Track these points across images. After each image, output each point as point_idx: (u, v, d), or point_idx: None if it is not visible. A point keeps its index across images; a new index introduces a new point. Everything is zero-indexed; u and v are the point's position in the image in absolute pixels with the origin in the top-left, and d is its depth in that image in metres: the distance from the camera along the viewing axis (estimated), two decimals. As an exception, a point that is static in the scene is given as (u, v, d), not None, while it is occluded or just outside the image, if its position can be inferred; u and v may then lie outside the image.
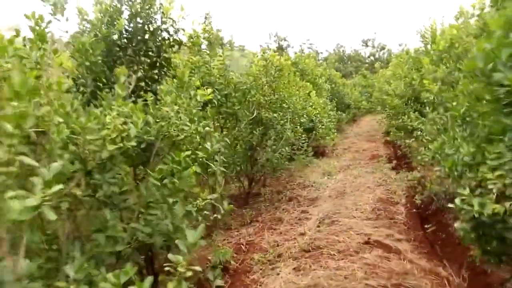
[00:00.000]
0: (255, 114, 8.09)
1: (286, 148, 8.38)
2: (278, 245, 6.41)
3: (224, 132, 7.26)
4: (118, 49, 4.49)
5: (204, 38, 7.05)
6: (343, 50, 57.61)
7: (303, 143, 9.53)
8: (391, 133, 12.75)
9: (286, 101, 8.82)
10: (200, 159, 3.84)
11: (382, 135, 18.48)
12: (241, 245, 6.54)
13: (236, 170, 8.37)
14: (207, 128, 4.16)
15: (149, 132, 3.57)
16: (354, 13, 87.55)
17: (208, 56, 7.03)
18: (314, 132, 11.81)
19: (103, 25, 4.09)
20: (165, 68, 4.85)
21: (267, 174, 9.71)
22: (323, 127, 10.54)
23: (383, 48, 58.92)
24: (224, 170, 5.78)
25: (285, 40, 44.06)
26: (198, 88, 4.77)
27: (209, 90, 4.70)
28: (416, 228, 7.03)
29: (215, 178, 6.51)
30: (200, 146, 4.02)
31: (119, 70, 3.26)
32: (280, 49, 38.57)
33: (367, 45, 59.20)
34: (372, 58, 57.52)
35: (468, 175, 4.10)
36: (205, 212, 4.07)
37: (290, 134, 8.44)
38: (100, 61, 3.97)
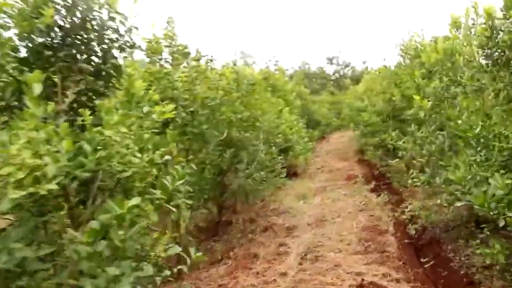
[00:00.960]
0: (225, 134, 7.05)
1: (261, 172, 7.33)
2: (256, 292, 5.35)
3: (190, 156, 6.15)
4: (51, 52, 3.38)
5: (166, 46, 5.97)
6: (308, 67, 57.36)
7: (276, 163, 8.42)
8: (369, 152, 11.91)
9: (259, 118, 7.81)
10: (158, 202, 2.76)
11: (354, 152, 17.71)
12: (212, 293, 5.44)
13: (204, 198, 7.27)
14: (167, 157, 3.08)
15: (84, 165, 2.46)
16: (318, 31, 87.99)
17: (170, 67, 5.95)
18: (289, 152, 10.84)
19: (26, 18, 2.97)
20: (114, 78, 3.74)
21: (238, 200, 8.66)
22: (301, 148, 9.52)
23: (347, 66, 58.99)
24: (189, 202, 4.77)
25: (250, 57, 43.39)
26: (156, 104, 3.73)
27: (170, 106, 3.65)
28: (413, 263, 6.08)
29: (179, 212, 5.43)
30: (157, 182, 2.94)
31: (31, 76, 2.15)
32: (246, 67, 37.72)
33: (331, 63, 59.15)
34: (337, 75, 57.48)
35: (507, 213, 3.19)
36: (166, 271, 2.98)
37: (264, 156, 7.42)
38: (16, 66, 2.85)
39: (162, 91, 5.40)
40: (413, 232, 6.87)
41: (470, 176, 3.95)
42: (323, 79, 55.20)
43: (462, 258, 5.61)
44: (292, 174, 12.84)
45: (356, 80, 46.53)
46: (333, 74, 57.69)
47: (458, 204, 3.72)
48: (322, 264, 6.07)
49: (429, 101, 6.56)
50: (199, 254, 3.77)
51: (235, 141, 7.51)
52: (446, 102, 6.37)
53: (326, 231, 7.61)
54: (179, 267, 3.77)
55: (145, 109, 2.97)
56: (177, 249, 2.98)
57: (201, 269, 6.41)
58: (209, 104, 6.32)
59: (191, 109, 6.19)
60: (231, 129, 7.14)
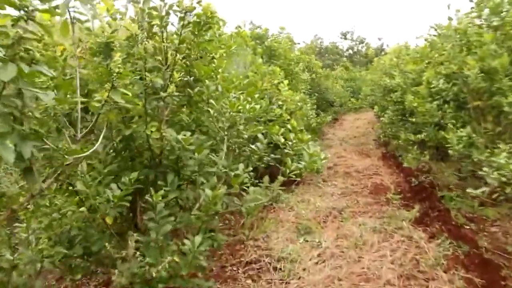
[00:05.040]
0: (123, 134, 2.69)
1: (199, 235, 2.89)
2: None
3: None
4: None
5: None
6: (321, 42, 52.19)
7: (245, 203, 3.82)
8: (409, 156, 7.40)
9: (212, 102, 3.42)
10: None
11: (375, 143, 13.23)
12: None
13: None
14: None
15: None
16: (333, 4, 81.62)
17: None
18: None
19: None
20: None
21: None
22: (302, 163, 4.79)
23: (362, 42, 53.85)
24: None
25: (260, 28, 38.43)
26: None
27: None
28: None
29: None
30: None
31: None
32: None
33: (345, 38, 53.97)
34: (350, 51, 52.45)
35: None
36: None
37: (211, 192, 2.97)
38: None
39: None
40: None
41: None
42: (336, 55, 50.27)
43: None
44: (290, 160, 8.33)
45: (370, 58, 41.56)
46: (347, 50, 52.68)
47: None
48: None
49: None
50: None
51: (155, 153, 3.16)
52: None
53: None
54: None
55: None
56: None
57: None
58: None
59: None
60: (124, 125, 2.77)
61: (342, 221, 6.34)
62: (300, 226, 6.08)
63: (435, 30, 6.58)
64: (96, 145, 2.35)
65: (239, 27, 7.77)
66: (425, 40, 7.14)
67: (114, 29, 3.29)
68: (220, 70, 4.02)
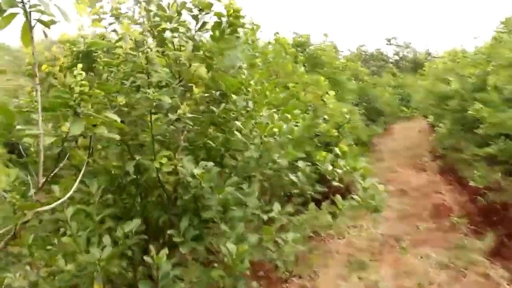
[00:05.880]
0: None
1: None
2: None
3: None
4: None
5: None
6: (365, 49, 50.63)
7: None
8: (476, 173, 6.37)
9: (239, 124, 2.68)
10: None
11: (430, 155, 12.08)
12: None
13: None
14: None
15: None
16: (376, 11, 79.47)
17: None
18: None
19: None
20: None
21: None
22: (356, 198, 4.03)
23: (407, 47, 51.75)
24: None
25: (301, 36, 37.53)
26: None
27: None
28: None
29: None
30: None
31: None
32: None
33: (390, 44, 52.08)
34: (396, 57, 50.53)
35: None
36: None
37: (236, 247, 2.19)
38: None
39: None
40: None
41: None
42: (381, 61, 48.63)
43: None
44: (340, 195, 7.47)
45: (417, 63, 39.69)
46: (393, 56, 50.87)
47: None
48: None
49: None
50: None
51: (168, 190, 2.47)
52: None
53: None
54: None
55: None
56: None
57: None
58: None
59: None
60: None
61: (400, 252, 5.42)
62: (353, 259, 5.22)
63: (505, 26, 5.59)
64: (68, 194, 1.67)
65: (277, 33, 7.04)
66: (493, 38, 6.14)
67: (120, 36, 2.65)
68: (252, 82, 3.29)
